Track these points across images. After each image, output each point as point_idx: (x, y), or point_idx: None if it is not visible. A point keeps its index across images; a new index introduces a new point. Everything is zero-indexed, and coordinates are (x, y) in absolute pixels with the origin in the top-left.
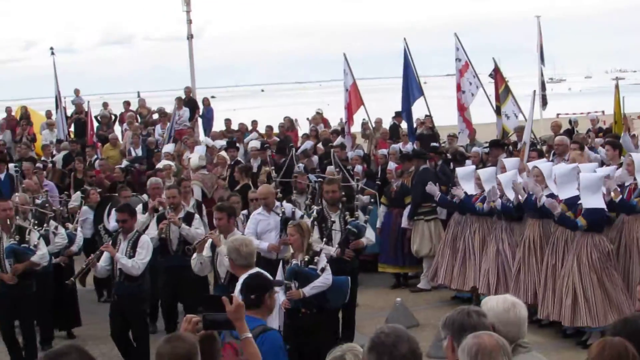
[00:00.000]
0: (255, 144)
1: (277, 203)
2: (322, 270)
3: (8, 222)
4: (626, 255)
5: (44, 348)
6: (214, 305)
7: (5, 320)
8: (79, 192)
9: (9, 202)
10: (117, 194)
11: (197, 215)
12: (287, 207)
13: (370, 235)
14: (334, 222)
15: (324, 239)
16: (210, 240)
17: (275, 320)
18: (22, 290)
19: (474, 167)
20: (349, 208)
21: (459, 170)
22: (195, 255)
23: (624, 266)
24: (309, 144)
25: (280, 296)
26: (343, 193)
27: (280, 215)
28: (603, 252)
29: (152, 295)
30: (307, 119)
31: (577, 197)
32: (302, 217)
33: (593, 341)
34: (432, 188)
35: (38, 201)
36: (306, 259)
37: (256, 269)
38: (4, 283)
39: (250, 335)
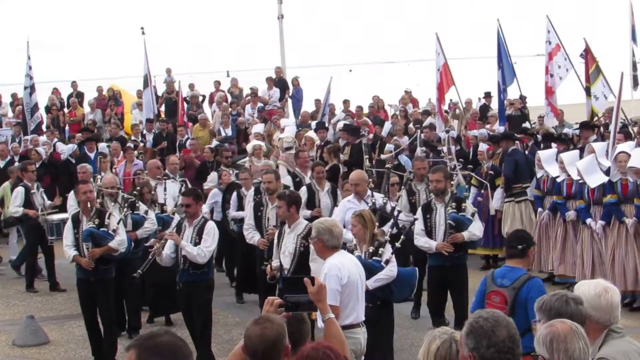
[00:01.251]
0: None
1: (369, 192)
2: (387, 262)
3: (89, 205)
4: None
5: (130, 336)
6: (296, 286)
7: (84, 306)
8: (215, 173)
9: (90, 185)
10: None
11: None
12: (378, 197)
13: (475, 229)
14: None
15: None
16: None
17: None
18: (100, 275)
19: (555, 150)
20: (456, 199)
21: (541, 154)
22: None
23: None
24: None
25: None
26: (452, 183)
27: (370, 205)
28: None
29: None
30: (389, 105)
31: None
32: (392, 209)
33: None
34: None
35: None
36: (370, 251)
37: (343, 251)
38: (82, 267)
39: (332, 316)
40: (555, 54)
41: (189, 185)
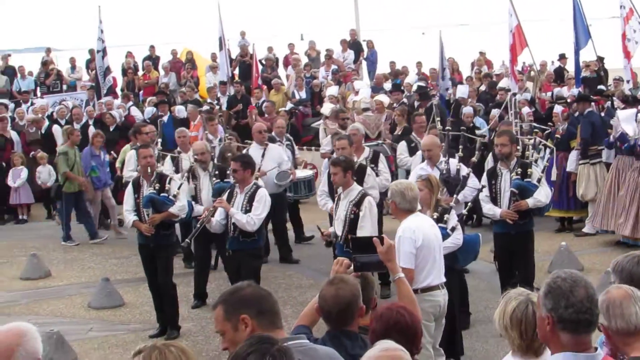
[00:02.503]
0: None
1: (442, 158)
2: (453, 229)
3: (149, 170)
4: None
5: (196, 305)
6: (365, 247)
7: (147, 270)
8: (329, 137)
9: (150, 150)
10: None
11: (369, 171)
12: (452, 163)
13: (540, 196)
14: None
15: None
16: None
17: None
18: (160, 241)
19: (635, 110)
20: (522, 164)
21: (620, 113)
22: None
23: None
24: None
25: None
26: (518, 147)
27: (442, 172)
28: None
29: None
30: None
31: None
32: (467, 175)
33: None
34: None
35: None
36: (435, 217)
37: (418, 213)
38: (142, 233)
39: (402, 275)
40: (630, 18)
41: (295, 147)
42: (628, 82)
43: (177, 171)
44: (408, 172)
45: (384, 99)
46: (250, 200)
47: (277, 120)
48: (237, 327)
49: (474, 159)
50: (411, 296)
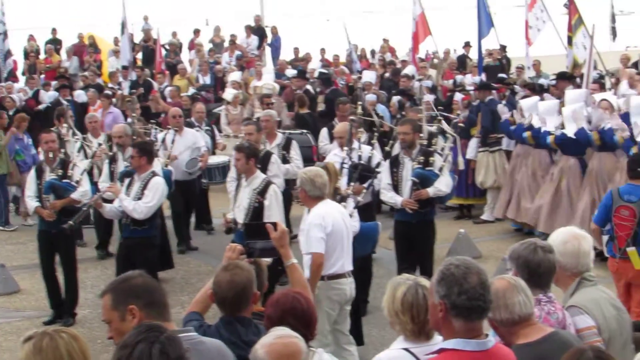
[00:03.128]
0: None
1: (356, 144)
2: (350, 216)
3: (51, 155)
4: None
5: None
6: (258, 233)
7: (44, 258)
8: None
9: (53, 134)
10: None
11: (274, 158)
12: (366, 149)
13: (441, 185)
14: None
15: (367, 184)
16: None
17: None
18: (60, 227)
19: (537, 98)
20: (424, 152)
21: (523, 102)
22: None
23: None
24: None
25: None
26: (422, 135)
27: (344, 159)
28: None
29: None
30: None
31: None
32: (378, 164)
33: None
34: (503, 108)
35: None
36: None
37: (328, 201)
38: (43, 219)
39: (295, 261)
40: (533, 6)
41: (216, 132)
42: (529, 68)
43: (86, 157)
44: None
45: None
46: (144, 187)
47: (197, 105)
48: (124, 317)
49: (387, 147)
50: (304, 282)
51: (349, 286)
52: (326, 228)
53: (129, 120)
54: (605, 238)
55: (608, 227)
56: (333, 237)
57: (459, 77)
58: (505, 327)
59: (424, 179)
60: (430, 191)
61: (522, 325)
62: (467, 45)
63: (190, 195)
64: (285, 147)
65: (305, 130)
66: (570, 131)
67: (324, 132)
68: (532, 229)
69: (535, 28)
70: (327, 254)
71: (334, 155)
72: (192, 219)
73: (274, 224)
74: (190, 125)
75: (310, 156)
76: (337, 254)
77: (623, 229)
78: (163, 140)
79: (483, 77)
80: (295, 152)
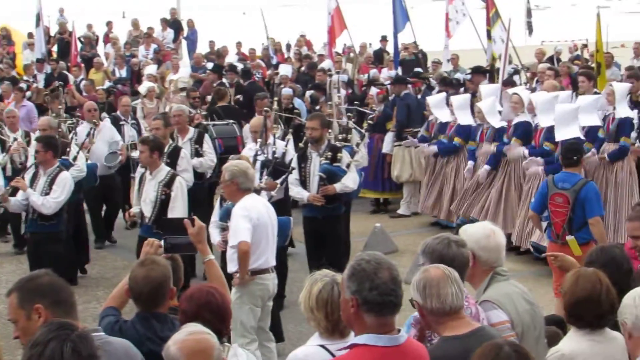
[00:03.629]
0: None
1: (271, 139)
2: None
3: None
4: (603, 182)
5: None
6: (176, 228)
7: None
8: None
9: None
10: None
11: (183, 153)
12: (280, 145)
13: (348, 181)
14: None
15: (281, 180)
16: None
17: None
18: None
19: (444, 94)
20: (332, 148)
21: (430, 99)
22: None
23: (615, 201)
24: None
25: (215, 237)
26: (331, 131)
27: (257, 153)
28: None
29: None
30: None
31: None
32: (291, 160)
33: None
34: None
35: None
36: None
37: (253, 194)
38: None
39: (212, 257)
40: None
41: (142, 129)
42: (448, 62)
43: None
44: None
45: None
46: (52, 183)
47: (123, 98)
48: (30, 316)
49: (301, 143)
50: (221, 278)
51: (272, 282)
52: (252, 220)
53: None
54: (544, 224)
55: (546, 213)
56: (258, 231)
57: (372, 72)
58: (434, 317)
59: (331, 175)
60: (337, 187)
61: (452, 317)
62: (383, 39)
63: (110, 190)
64: (198, 140)
65: (231, 121)
66: (492, 122)
67: (247, 127)
68: (450, 223)
69: (455, 21)
70: (252, 247)
71: (248, 149)
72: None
73: (192, 220)
74: (116, 119)
75: (236, 146)
76: (261, 248)
77: (558, 215)
78: (88, 134)
79: (399, 71)
80: (208, 146)
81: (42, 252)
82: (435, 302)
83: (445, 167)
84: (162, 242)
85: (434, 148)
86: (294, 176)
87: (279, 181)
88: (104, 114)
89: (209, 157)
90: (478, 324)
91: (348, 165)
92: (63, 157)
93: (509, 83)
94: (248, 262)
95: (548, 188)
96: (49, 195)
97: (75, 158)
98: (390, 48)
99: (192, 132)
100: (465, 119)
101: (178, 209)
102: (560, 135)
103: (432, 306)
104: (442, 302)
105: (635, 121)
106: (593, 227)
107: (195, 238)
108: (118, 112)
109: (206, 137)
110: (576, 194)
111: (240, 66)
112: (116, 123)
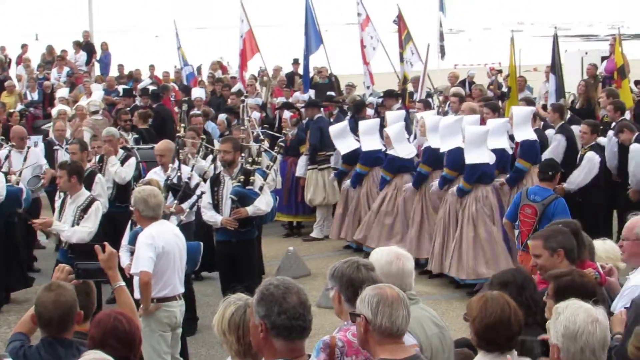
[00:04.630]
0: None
1: (176, 164)
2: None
3: None
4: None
5: None
6: (87, 254)
7: None
8: None
9: None
10: None
11: (97, 178)
12: (185, 170)
13: (261, 204)
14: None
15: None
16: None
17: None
18: None
19: (378, 120)
20: (245, 171)
21: (362, 125)
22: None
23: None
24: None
25: (124, 260)
26: (243, 155)
27: (168, 178)
28: (492, 204)
29: None
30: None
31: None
32: (197, 185)
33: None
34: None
35: None
36: None
37: (163, 221)
38: None
39: (123, 284)
40: (366, 26)
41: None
42: (369, 87)
43: None
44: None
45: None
46: None
47: (57, 122)
48: None
49: (207, 168)
50: (131, 304)
51: (179, 309)
52: (157, 248)
53: None
54: (517, 232)
55: (517, 222)
56: (164, 259)
57: (298, 94)
58: (378, 336)
59: (243, 198)
60: (250, 210)
61: (394, 340)
62: (295, 62)
63: (33, 214)
64: (123, 163)
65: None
66: (400, 150)
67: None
68: (361, 246)
69: (371, 47)
70: (157, 275)
71: (154, 173)
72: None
73: (102, 246)
74: (50, 143)
75: None
76: (168, 276)
77: (526, 225)
78: (6, 158)
79: (312, 94)
80: (128, 167)
81: None
82: (386, 321)
83: (359, 192)
84: (73, 268)
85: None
86: (207, 200)
87: (184, 205)
88: (37, 138)
89: (126, 171)
90: (414, 351)
91: (261, 188)
92: None
93: (427, 105)
94: (149, 291)
95: (521, 199)
96: None
97: None
98: (302, 71)
99: (120, 153)
100: (370, 144)
101: (82, 230)
102: (470, 158)
103: (382, 324)
104: (392, 323)
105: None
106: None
107: (105, 264)
108: (52, 137)
109: (132, 160)
110: (544, 207)
111: (152, 89)
112: (50, 147)
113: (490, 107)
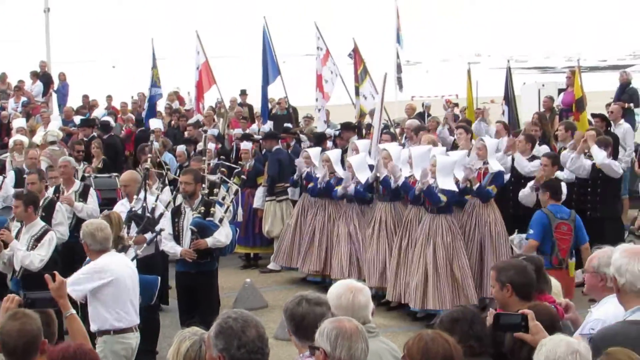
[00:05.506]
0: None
1: (141, 195)
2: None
3: None
4: (478, 239)
5: None
6: (37, 283)
7: None
8: None
9: None
10: None
11: (58, 206)
12: (150, 200)
13: (221, 236)
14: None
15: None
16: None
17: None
18: None
19: (340, 150)
20: (206, 203)
21: (331, 153)
22: None
23: (478, 251)
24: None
25: None
26: (204, 186)
27: (131, 208)
28: (455, 234)
29: None
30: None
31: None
32: (160, 215)
33: None
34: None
35: None
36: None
37: (113, 252)
38: None
39: (74, 312)
40: (327, 60)
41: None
42: (325, 122)
43: None
44: None
45: (24, 138)
46: None
47: (29, 151)
48: None
49: (167, 198)
50: (84, 331)
51: (135, 340)
52: (103, 280)
53: None
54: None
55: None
56: (115, 289)
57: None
58: None
59: (203, 229)
60: (209, 241)
61: None
62: (243, 93)
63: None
64: (83, 194)
65: (114, 174)
66: (363, 179)
67: None
68: (326, 278)
69: (331, 82)
70: (110, 305)
71: (121, 205)
72: None
73: (52, 275)
74: (21, 171)
75: (115, 199)
76: (121, 307)
77: (564, 242)
78: None
79: (269, 125)
80: (92, 200)
81: None
82: (345, 354)
83: (316, 219)
84: (22, 298)
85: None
86: (168, 231)
87: (146, 236)
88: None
89: (92, 206)
90: None
91: (221, 220)
92: None
93: (393, 137)
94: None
95: (549, 219)
96: None
97: None
98: (251, 101)
99: (77, 184)
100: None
101: (35, 255)
102: (442, 184)
103: (341, 357)
104: (351, 356)
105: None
106: (586, 251)
107: (55, 293)
108: (23, 165)
109: (91, 190)
110: (574, 223)
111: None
112: (20, 176)
113: (464, 127)
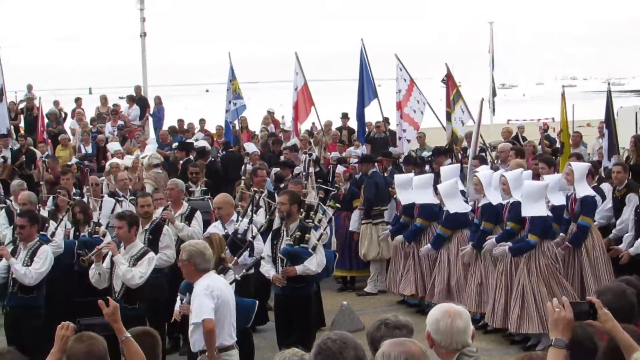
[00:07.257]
0: (202, 143)
1: (234, 217)
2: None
3: None
4: (577, 263)
5: None
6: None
7: None
8: None
9: None
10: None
11: (165, 230)
12: (243, 224)
13: (311, 264)
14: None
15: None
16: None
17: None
18: None
19: (412, 175)
20: (302, 228)
21: (397, 178)
22: (93, 265)
23: (579, 275)
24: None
25: (175, 307)
26: (302, 210)
27: (232, 231)
28: (551, 258)
29: None
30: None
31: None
32: (253, 237)
33: (543, 346)
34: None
35: None
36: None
37: (212, 273)
38: None
39: (129, 335)
40: (412, 90)
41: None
42: (415, 151)
43: None
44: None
45: (119, 161)
46: (33, 255)
47: (118, 174)
48: None
49: (263, 221)
50: (141, 354)
51: (236, 357)
52: (214, 298)
53: None
54: None
55: None
56: (221, 309)
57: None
58: None
59: (294, 256)
60: (298, 269)
61: None
62: (345, 116)
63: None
64: (189, 216)
65: (207, 197)
66: (450, 207)
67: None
68: (415, 301)
69: (419, 111)
70: (218, 325)
71: (214, 227)
72: None
73: (106, 300)
74: (114, 194)
75: (209, 221)
76: (224, 325)
77: None
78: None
79: (365, 149)
80: (196, 222)
81: (21, 325)
82: None
83: (415, 246)
84: (76, 324)
85: (503, 249)
86: (266, 252)
87: (241, 260)
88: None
89: (194, 228)
90: None
91: (314, 248)
92: (41, 232)
93: (483, 161)
94: (214, 339)
95: None
96: (30, 266)
97: (53, 234)
98: (351, 125)
99: (185, 207)
100: (424, 197)
101: (137, 272)
102: (527, 212)
103: None
104: None
105: (598, 198)
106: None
107: (109, 318)
108: (116, 188)
109: (197, 213)
110: None
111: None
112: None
113: (545, 161)
